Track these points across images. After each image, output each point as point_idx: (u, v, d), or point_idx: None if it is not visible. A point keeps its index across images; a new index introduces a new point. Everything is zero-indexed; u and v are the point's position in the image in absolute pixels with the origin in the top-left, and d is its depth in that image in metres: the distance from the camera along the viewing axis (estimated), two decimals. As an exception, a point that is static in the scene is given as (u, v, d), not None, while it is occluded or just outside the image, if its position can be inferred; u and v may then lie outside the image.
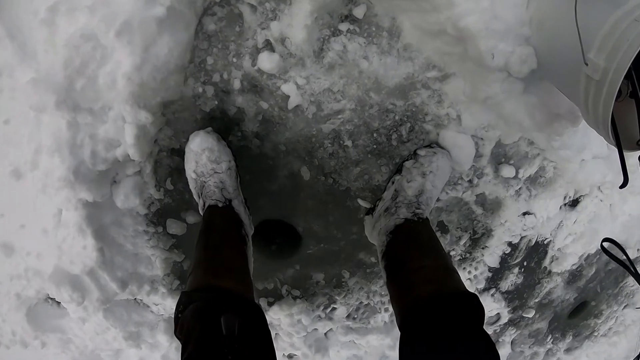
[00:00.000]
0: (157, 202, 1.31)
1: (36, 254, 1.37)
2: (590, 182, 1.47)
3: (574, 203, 1.55)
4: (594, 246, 1.70)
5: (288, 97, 1.16)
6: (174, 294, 1.49)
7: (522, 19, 1.03)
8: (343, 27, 1.10)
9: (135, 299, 1.49)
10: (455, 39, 1.05)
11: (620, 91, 0.87)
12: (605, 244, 0.99)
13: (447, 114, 1.20)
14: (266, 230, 1.42)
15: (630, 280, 2.00)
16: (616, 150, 0.86)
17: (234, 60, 1.14)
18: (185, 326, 0.87)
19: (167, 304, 1.53)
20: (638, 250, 1.82)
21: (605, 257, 1.77)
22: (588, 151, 1.34)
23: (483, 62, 1.04)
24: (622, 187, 0.88)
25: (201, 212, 1.19)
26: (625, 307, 2.12)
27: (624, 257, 1.02)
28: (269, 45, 1.12)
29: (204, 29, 1.11)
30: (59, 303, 1.51)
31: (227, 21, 1.10)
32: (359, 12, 1.08)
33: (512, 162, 1.31)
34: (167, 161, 1.25)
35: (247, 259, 1.12)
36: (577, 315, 2.06)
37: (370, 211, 1.31)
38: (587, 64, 0.84)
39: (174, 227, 1.35)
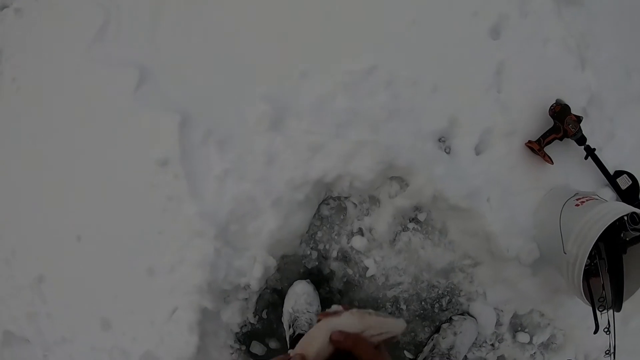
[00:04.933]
0: (249, 325, 1.69)
1: (132, 337, 1.60)
2: (598, 346, 1.77)
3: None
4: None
5: (367, 268, 1.66)
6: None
7: (530, 224, 1.64)
8: (410, 225, 1.67)
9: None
10: (484, 238, 1.62)
11: (598, 270, 1.41)
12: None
13: (476, 290, 1.70)
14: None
15: None
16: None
17: (335, 237, 1.67)
18: None
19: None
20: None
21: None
22: (590, 320, 1.74)
23: (502, 255, 1.60)
24: (595, 332, 1.36)
25: (288, 339, 1.57)
26: None
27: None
28: (360, 231, 1.66)
29: (320, 212, 1.66)
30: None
31: (336, 210, 1.67)
32: (422, 216, 1.67)
33: (527, 330, 1.77)
34: (269, 297, 1.68)
35: None
36: None
37: (412, 361, 1.71)
38: (565, 253, 1.40)
39: (257, 348, 1.70)
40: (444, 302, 1.71)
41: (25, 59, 1.76)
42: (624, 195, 1.75)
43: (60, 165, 1.60)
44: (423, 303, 1.71)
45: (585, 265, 1.46)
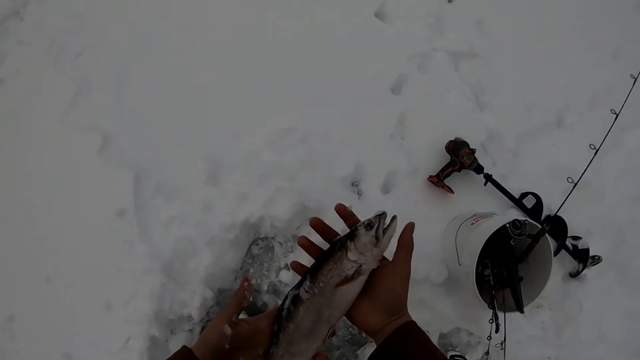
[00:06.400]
0: (196, 355, 1.93)
1: None
2: (532, 355, 1.87)
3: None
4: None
5: (295, 297, 1.88)
6: None
7: (436, 248, 1.86)
8: (331, 258, 1.90)
9: None
10: None
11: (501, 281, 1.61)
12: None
13: (396, 314, 1.85)
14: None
15: None
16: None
17: (266, 272, 1.93)
18: None
19: None
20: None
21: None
22: (521, 333, 1.87)
23: (412, 277, 1.76)
24: (496, 332, 1.53)
25: None
26: None
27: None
28: (287, 267, 1.91)
29: (251, 251, 1.94)
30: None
31: (265, 249, 1.94)
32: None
33: (458, 349, 1.86)
34: (211, 327, 1.93)
35: None
36: None
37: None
38: (460, 265, 1.58)
39: None
40: (370, 327, 1.87)
41: (6, 122, 2.11)
42: (530, 214, 1.91)
43: (32, 214, 1.96)
44: (350, 329, 1.88)
45: (487, 277, 1.65)
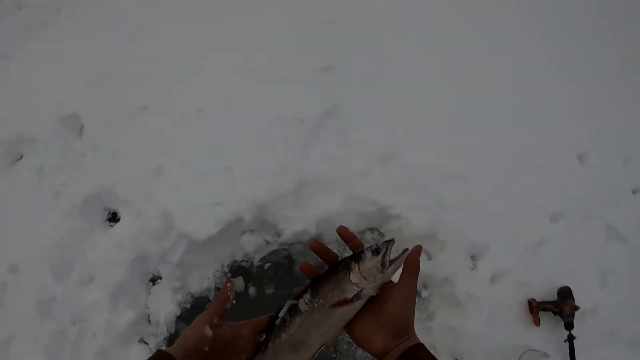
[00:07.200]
0: (250, 264, 2.00)
1: (169, 194, 1.97)
2: None
3: None
4: None
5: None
6: None
7: (497, 349, 1.94)
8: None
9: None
10: (457, 336, 1.93)
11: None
12: None
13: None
14: None
15: None
16: None
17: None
18: None
19: None
20: None
21: None
22: None
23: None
24: None
25: None
26: None
27: None
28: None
29: (363, 235, 2.08)
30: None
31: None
32: (424, 293, 2.01)
33: None
34: (282, 259, 2.02)
35: None
36: None
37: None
38: None
39: (238, 284, 1.98)
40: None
41: None
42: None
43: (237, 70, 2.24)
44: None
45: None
